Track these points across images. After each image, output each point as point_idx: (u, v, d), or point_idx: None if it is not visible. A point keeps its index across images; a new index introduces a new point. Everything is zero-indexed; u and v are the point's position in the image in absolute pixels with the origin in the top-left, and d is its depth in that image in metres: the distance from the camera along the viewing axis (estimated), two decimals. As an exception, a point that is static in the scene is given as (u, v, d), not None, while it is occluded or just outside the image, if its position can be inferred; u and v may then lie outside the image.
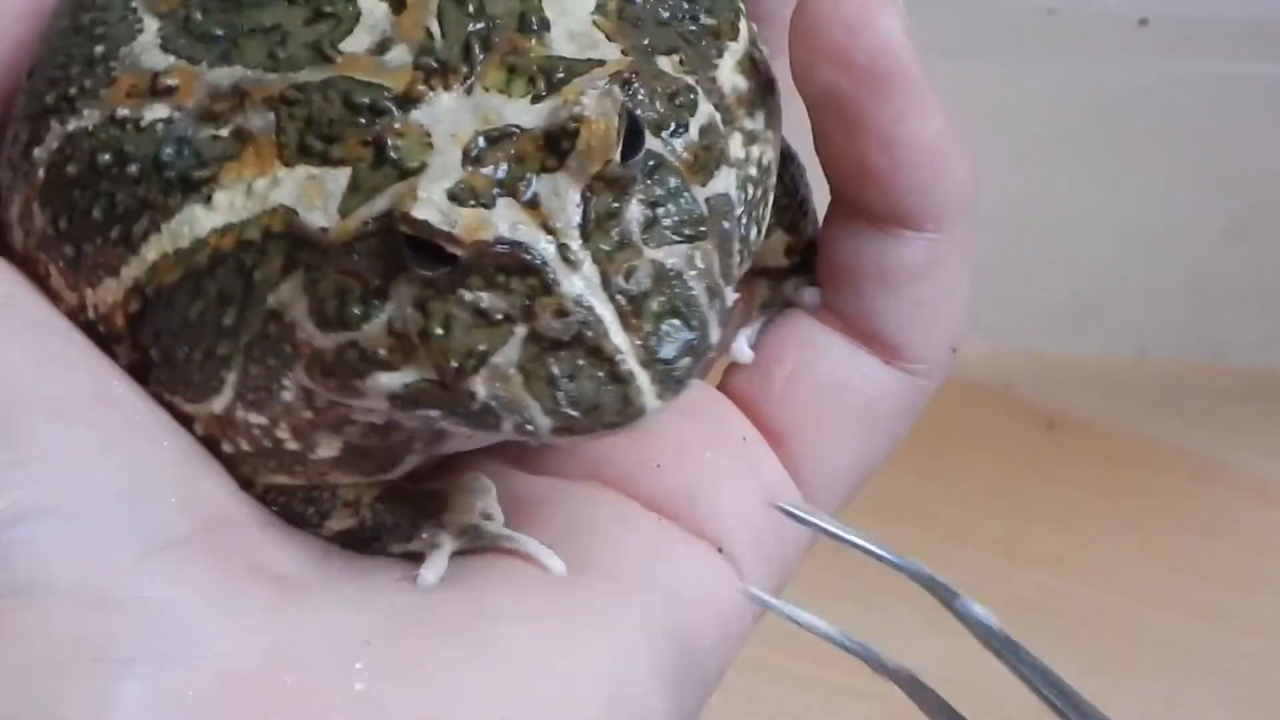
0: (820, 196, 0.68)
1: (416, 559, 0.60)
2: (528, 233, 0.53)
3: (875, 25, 0.61)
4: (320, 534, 0.61)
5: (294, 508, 0.61)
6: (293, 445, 0.58)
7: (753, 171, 0.62)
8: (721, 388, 0.66)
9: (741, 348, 0.66)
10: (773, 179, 0.64)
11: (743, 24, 0.63)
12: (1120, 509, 1.13)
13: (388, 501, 0.61)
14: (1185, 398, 1.17)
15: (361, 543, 0.61)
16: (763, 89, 0.63)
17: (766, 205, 0.64)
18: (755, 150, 0.62)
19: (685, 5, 0.62)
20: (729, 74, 0.62)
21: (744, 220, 0.62)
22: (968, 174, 0.62)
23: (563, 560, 0.59)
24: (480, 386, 0.53)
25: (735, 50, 0.62)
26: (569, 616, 0.58)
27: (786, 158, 0.66)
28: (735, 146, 0.61)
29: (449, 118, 0.55)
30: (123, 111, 0.59)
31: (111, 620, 0.52)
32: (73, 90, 0.60)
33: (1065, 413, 1.16)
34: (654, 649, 0.58)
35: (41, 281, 0.61)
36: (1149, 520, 1.12)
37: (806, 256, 0.68)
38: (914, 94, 0.61)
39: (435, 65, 0.56)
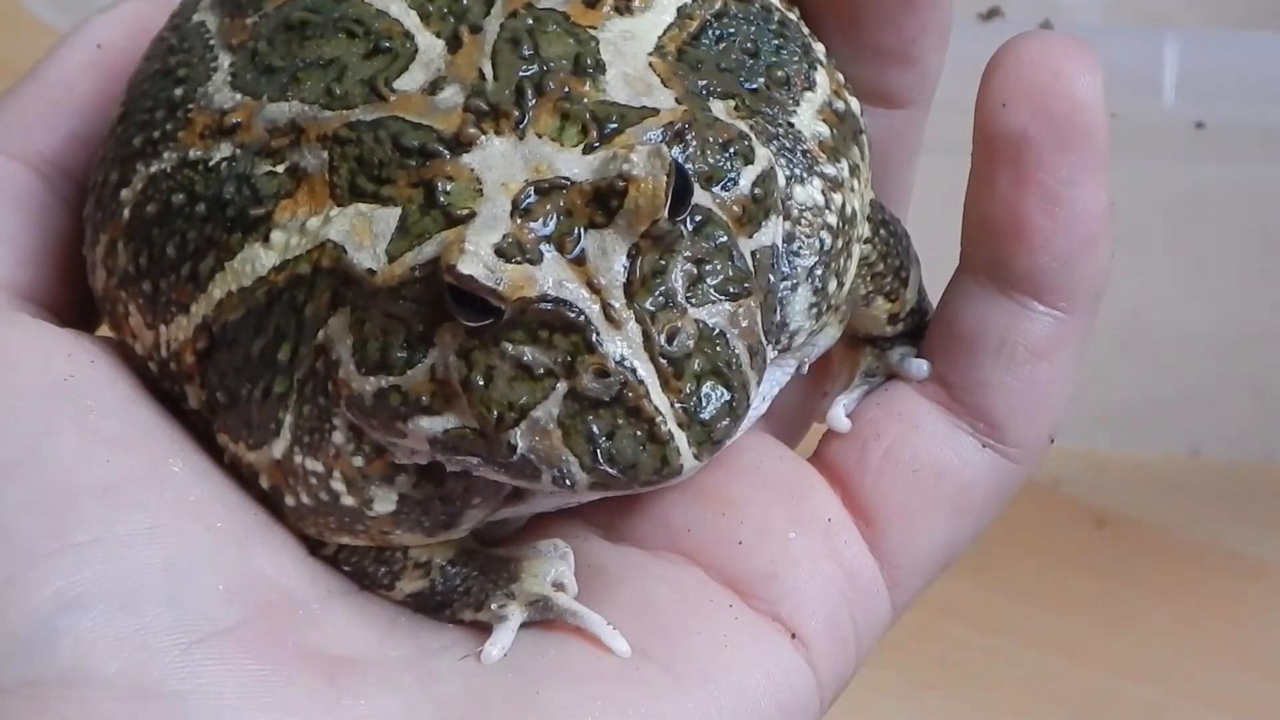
0: (934, 267, 0.67)
1: (485, 628, 0.60)
2: (572, 291, 0.53)
3: (1082, 79, 0.60)
4: (391, 597, 0.61)
5: (365, 567, 0.61)
6: (349, 500, 0.58)
7: (832, 220, 0.61)
8: (817, 454, 0.65)
9: (839, 416, 0.65)
10: (858, 230, 0.63)
11: (819, 74, 0.63)
12: (1173, 608, 1.12)
13: (460, 564, 0.61)
14: (1236, 497, 1.16)
15: (433, 607, 0.61)
16: (847, 137, 0.62)
17: (850, 257, 0.62)
18: (837, 197, 0.61)
19: (750, 60, 0.61)
20: (809, 120, 0.61)
21: (820, 272, 0.61)
22: (1109, 260, 0.62)
23: (627, 642, 0.59)
24: (520, 439, 0.53)
25: (814, 99, 0.62)
26: (621, 713, 0.57)
27: (881, 223, 0.65)
28: (814, 192, 0.60)
29: (500, 164, 0.55)
30: (195, 153, 0.60)
31: (150, 713, 0.52)
32: (156, 134, 0.61)
33: (1114, 511, 1.16)
34: None
35: (121, 322, 0.62)
36: (1202, 620, 1.11)
37: (911, 325, 0.67)
38: (1095, 161, 0.60)
39: (486, 108, 0.56)
